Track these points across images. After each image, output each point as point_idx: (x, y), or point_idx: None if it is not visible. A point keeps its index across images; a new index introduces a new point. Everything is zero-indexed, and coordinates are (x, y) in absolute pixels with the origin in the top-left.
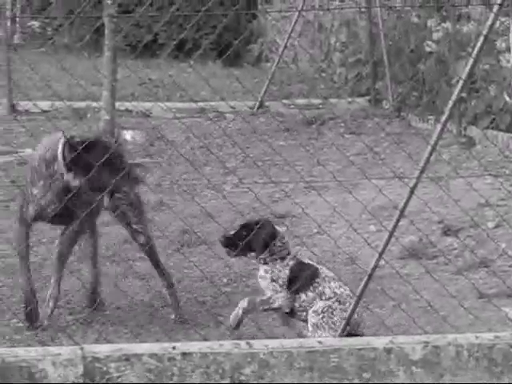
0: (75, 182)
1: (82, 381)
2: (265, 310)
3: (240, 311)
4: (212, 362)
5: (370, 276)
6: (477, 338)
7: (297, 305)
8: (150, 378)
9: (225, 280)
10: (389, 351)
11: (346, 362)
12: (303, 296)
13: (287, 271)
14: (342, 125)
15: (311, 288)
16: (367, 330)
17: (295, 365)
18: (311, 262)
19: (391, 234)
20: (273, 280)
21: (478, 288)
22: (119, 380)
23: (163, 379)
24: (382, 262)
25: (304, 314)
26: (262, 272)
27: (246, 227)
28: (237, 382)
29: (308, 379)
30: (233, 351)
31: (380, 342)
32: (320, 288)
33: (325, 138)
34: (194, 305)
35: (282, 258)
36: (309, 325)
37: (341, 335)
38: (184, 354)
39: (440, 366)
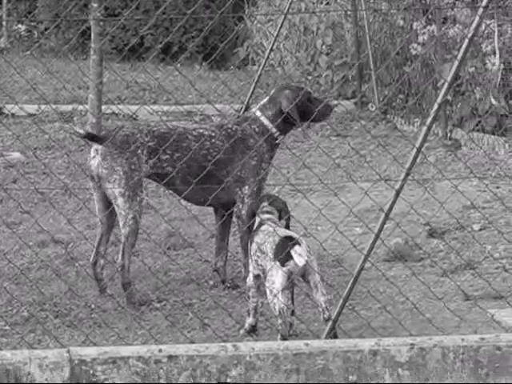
0: None
1: None
2: None
3: None
4: (198, 365)
5: (355, 278)
6: (463, 340)
7: None
8: (136, 381)
9: (211, 282)
10: (375, 353)
11: (333, 364)
12: None
13: None
14: (328, 127)
15: None
16: (354, 332)
17: (282, 367)
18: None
19: (377, 237)
20: None
21: (464, 290)
22: (106, 382)
23: (150, 382)
24: (368, 265)
25: None
26: None
27: None
28: None
29: (294, 381)
30: (219, 354)
31: (366, 344)
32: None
33: (311, 141)
34: (181, 307)
35: None
36: None
37: (326, 337)
38: (170, 357)
39: (426, 368)
